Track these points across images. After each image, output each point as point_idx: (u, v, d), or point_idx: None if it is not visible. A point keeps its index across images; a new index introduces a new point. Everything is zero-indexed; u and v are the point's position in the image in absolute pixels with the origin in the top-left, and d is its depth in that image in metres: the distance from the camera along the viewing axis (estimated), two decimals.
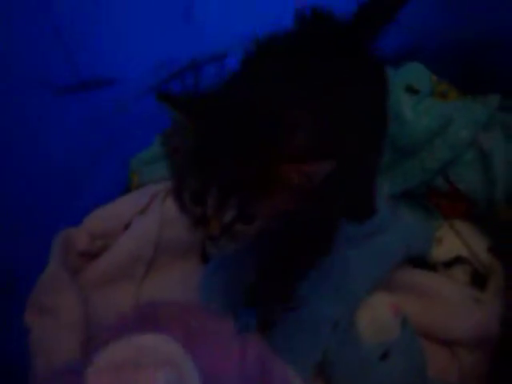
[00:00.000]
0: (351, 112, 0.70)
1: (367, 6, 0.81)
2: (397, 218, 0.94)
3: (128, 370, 0.46)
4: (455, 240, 0.98)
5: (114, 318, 0.71)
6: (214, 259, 0.86)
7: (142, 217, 0.92)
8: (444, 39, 1.06)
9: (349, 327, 0.82)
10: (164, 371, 0.46)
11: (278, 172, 0.57)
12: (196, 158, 0.59)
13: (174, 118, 0.60)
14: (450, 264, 0.95)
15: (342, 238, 0.87)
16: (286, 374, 0.58)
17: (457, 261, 0.95)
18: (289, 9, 0.91)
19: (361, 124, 0.74)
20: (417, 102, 1.00)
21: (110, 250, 0.90)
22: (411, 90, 1.01)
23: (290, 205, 0.60)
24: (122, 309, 0.81)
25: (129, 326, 0.56)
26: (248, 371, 0.52)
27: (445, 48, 1.06)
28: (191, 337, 0.53)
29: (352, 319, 0.82)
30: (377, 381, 0.79)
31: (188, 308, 0.66)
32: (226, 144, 0.58)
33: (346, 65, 0.75)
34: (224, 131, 0.58)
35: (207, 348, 0.52)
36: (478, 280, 0.93)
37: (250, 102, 0.61)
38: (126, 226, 0.92)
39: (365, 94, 0.76)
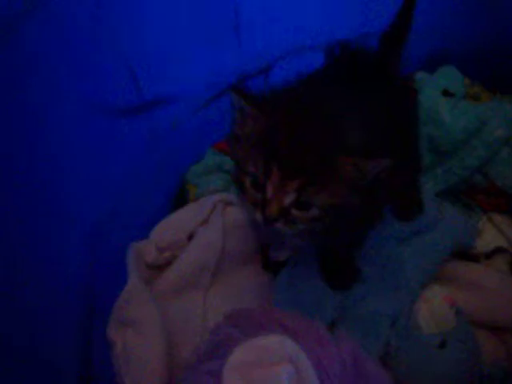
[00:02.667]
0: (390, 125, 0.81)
1: (388, 34, 0.92)
2: (443, 215, 1.02)
3: (257, 367, 0.56)
4: (494, 232, 1.07)
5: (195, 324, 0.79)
6: (283, 272, 0.94)
7: (204, 227, 1.00)
8: (475, 44, 1.15)
9: (408, 321, 0.90)
10: (286, 367, 0.56)
11: (335, 163, 0.66)
12: (261, 145, 0.68)
13: (238, 111, 0.71)
14: (490, 255, 1.04)
15: (394, 238, 0.98)
16: (375, 366, 0.67)
17: (497, 251, 1.04)
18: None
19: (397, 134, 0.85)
20: (453, 105, 1.08)
21: (177, 261, 0.98)
22: (447, 94, 1.10)
23: (344, 198, 0.68)
24: (192, 317, 0.91)
25: (230, 332, 0.64)
26: (346, 364, 0.62)
27: (476, 52, 1.15)
28: (292, 336, 0.62)
29: (410, 313, 0.91)
30: (437, 368, 0.88)
31: (275, 311, 0.76)
32: (290, 134, 0.66)
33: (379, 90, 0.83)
34: (289, 124, 0.67)
35: (309, 345, 0.62)
36: None
37: (314, 104, 0.71)
38: (190, 237, 1.00)
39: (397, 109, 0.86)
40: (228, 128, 0.90)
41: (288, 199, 0.67)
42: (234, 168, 0.75)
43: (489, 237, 1.06)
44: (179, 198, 1.09)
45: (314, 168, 0.66)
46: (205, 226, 1.01)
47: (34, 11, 0.72)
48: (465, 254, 1.04)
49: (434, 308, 0.91)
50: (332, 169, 0.66)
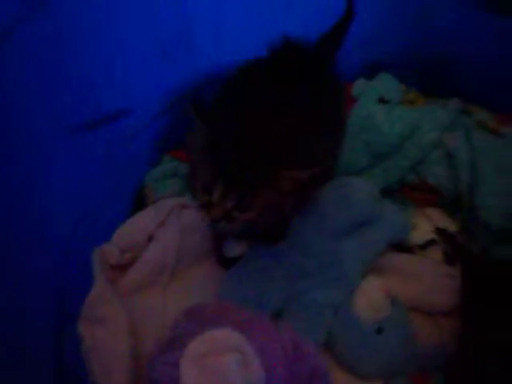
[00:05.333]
0: (321, 127, 0.95)
1: (326, 34, 1.09)
2: (380, 211, 1.14)
3: (209, 357, 0.68)
4: (428, 225, 1.19)
5: (156, 324, 0.91)
6: (233, 268, 1.06)
7: (162, 229, 1.11)
8: (410, 52, 1.29)
9: (348, 309, 1.02)
10: (234, 355, 0.68)
11: (274, 175, 0.80)
12: (208, 155, 0.82)
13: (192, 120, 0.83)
14: (425, 246, 1.16)
15: (334, 233, 1.09)
16: (311, 348, 0.81)
17: (430, 243, 1.17)
18: None
19: (329, 135, 0.99)
20: (388, 111, 1.22)
21: (138, 261, 1.08)
22: (383, 101, 1.24)
23: (279, 201, 0.83)
24: (153, 313, 1.01)
25: (187, 327, 0.77)
26: (287, 349, 0.75)
27: (411, 60, 1.30)
28: (239, 327, 0.75)
29: (350, 303, 1.03)
30: (375, 351, 1.00)
31: (226, 305, 0.89)
32: (231, 148, 0.80)
33: (313, 88, 0.98)
34: (232, 143, 0.81)
35: (254, 334, 0.74)
36: (449, 258, 1.15)
37: (251, 114, 0.85)
38: (150, 238, 1.11)
39: (328, 111, 1.00)
40: (182, 136, 1.03)
41: (230, 204, 0.81)
42: (189, 170, 0.89)
43: (423, 230, 1.19)
44: (138, 203, 1.19)
45: (253, 180, 0.80)
46: (163, 227, 1.11)
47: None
48: (401, 246, 1.16)
49: (371, 298, 1.03)
50: (270, 180, 0.80)
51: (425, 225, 1.21)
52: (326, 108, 1.00)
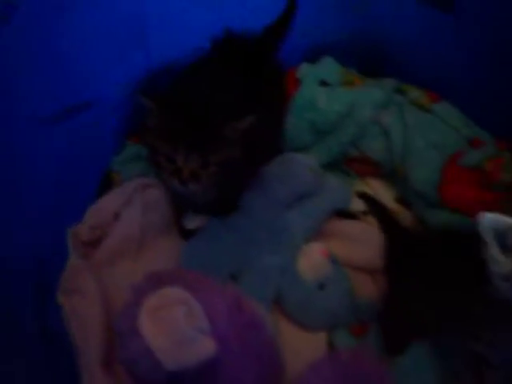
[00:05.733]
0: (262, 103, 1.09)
1: (270, 27, 1.23)
2: (322, 182, 1.28)
3: (162, 310, 0.83)
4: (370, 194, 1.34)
5: (124, 287, 1.05)
6: (192, 238, 1.20)
7: (127, 207, 1.24)
8: (349, 36, 1.42)
9: (293, 270, 1.16)
10: (181, 307, 0.82)
11: (221, 131, 0.96)
12: (167, 131, 0.97)
13: (147, 108, 0.98)
14: (367, 212, 1.31)
15: (280, 204, 1.22)
16: (254, 305, 0.95)
17: None
18: None
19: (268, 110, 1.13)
20: (329, 92, 1.35)
21: (107, 237, 1.22)
22: (324, 83, 1.37)
23: (230, 152, 0.99)
24: (123, 282, 1.11)
25: (145, 288, 0.91)
26: (228, 302, 0.89)
27: (350, 43, 1.42)
28: (189, 288, 0.89)
29: (295, 264, 1.16)
30: (318, 305, 1.14)
31: (180, 270, 1.04)
32: (186, 121, 0.96)
33: (256, 75, 1.13)
34: (182, 114, 0.96)
35: (201, 293, 0.88)
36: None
37: (198, 92, 1.02)
38: (117, 216, 1.24)
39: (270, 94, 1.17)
40: (143, 122, 1.17)
41: (193, 164, 0.97)
42: (149, 152, 1.03)
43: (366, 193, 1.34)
44: (106, 185, 1.32)
45: (207, 138, 0.96)
46: (128, 205, 1.25)
47: None
48: (345, 212, 1.30)
49: (312, 260, 1.16)
50: (219, 136, 0.97)
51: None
52: (264, 87, 1.15)
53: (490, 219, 0.85)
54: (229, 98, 1.04)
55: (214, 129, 0.96)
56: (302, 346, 1.12)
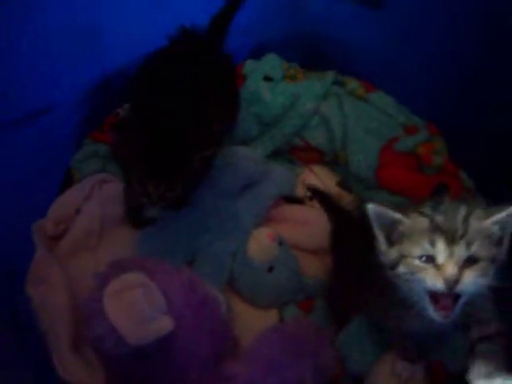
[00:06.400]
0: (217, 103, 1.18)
1: (215, 21, 1.31)
2: (268, 171, 1.37)
3: (123, 292, 0.93)
4: (314, 179, 1.45)
5: (88, 276, 1.15)
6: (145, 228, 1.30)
7: (87, 202, 1.33)
8: (291, 33, 1.53)
9: (244, 254, 1.25)
10: (140, 290, 0.93)
11: (188, 160, 1.05)
12: (135, 161, 1.06)
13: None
14: (312, 197, 1.42)
15: (227, 194, 1.31)
16: (207, 287, 1.07)
17: None
18: None
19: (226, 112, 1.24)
20: (273, 86, 1.46)
21: (69, 230, 1.31)
22: (267, 78, 1.48)
23: (193, 171, 1.08)
24: (86, 272, 1.18)
25: (108, 274, 1.02)
26: (184, 283, 1.01)
27: (292, 40, 1.54)
28: (147, 272, 1.00)
29: (245, 248, 1.25)
30: (268, 286, 1.24)
31: (138, 258, 1.15)
32: (154, 152, 1.04)
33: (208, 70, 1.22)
34: (150, 145, 1.05)
35: (158, 277, 0.99)
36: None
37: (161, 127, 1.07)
38: (78, 211, 1.33)
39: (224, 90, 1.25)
40: (99, 121, 1.27)
41: (162, 189, 1.06)
42: (123, 170, 1.15)
43: (311, 183, 1.44)
44: (67, 182, 1.40)
45: (175, 169, 1.06)
46: (88, 200, 1.34)
47: None
48: (292, 198, 1.41)
49: (260, 243, 1.25)
50: (186, 165, 1.06)
51: (313, 179, 1.47)
52: (223, 88, 1.24)
53: (374, 210, 0.84)
54: (194, 118, 1.10)
55: (182, 160, 1.05)
56: (255, 323, 1.22)
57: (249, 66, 1.51)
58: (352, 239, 1.17)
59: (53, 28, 1.26)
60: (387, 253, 0.86)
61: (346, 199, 1.43)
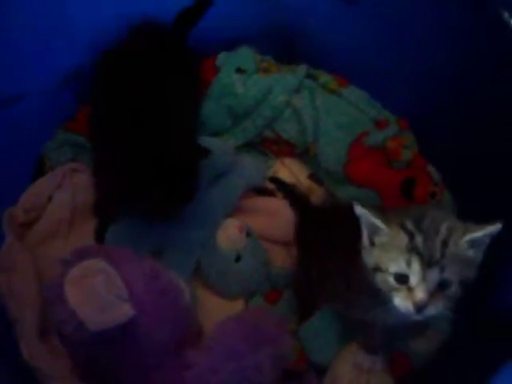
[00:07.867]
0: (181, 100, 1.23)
1: (181, 16, 1.35)
2: (239, 162, 1.41)
3: (85, 278, 0.97)
4: (285, 172, 1.49)
5: (57, 264, 1.19)
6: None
7: (59, 190, 1.37)
8: (263, 26, 1.55)
9: (213, 243, 1.29)
10: (101, 276, 0.97)
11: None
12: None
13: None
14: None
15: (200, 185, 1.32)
16: (170, 275, 1.11)
17: None
18: None
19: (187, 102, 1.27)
20: (245, 79, 1.49)
21: (40, 218, 1.34)
22: (240, 71, 1.51)
23: None
24: (55, 260, 1.21)
25: (71, 261, 1.06)
26: (145, 271, 1.05)
27: (265, 33, 1.56)
28: (109, 259, 1.03)
29: (214, 238, 1.30)
30: (236, 275, 1.28)
31: (101, 246, 1.21)
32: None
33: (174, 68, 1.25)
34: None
35: (120, 264, 1.03)
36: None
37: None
38: (49, 199, 1.36)
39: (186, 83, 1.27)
40: (72, 110, 1.30)
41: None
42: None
43: (282, 176, 1.48)
44: (39, 171, 1.44)
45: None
46: (59, 189, 1.37)
47: None
48: (262, 190, 1.45)
49: (228, 233, 1.30)
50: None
51: (284, 171, 1.50)
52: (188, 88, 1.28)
53: (360, 212, 0.86)
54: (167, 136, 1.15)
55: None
56: (221, 312, 1.24)
57: (222, 58, 1.54)
58: (318, 231, 1.21)
59: (22, 15, 1.29)
60: (368, 251, 0.89)
61: (317, 192, 1.46)
